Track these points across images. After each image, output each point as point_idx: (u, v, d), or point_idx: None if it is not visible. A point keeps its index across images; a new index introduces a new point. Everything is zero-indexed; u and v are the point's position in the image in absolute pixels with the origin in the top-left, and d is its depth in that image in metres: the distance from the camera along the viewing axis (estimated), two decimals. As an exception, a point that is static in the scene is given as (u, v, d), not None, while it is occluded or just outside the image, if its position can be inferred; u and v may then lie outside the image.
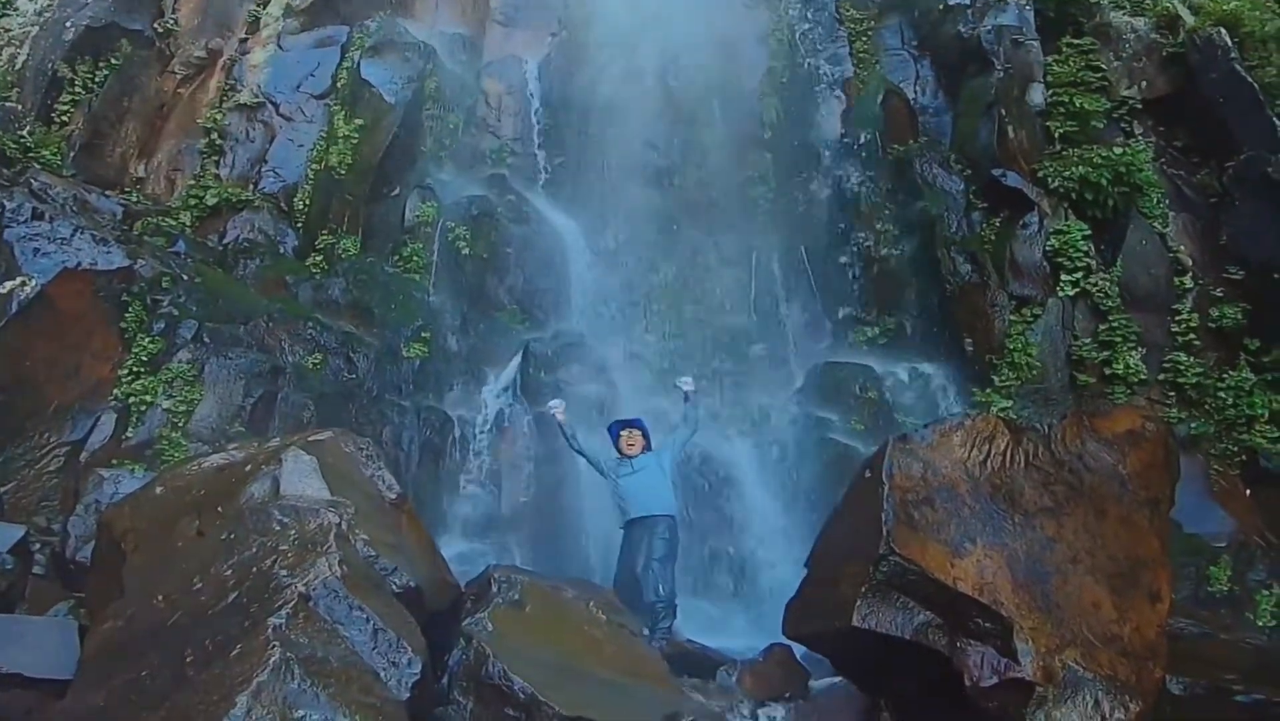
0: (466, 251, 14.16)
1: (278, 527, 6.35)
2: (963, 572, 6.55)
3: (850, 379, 13.22)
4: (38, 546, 10.07)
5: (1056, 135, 14.45)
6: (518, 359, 13.38)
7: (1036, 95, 14.69)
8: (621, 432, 10.64)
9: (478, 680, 6.25)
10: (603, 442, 10.73)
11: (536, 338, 13.69)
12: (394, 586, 6.63)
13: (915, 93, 16.00)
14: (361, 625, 5.71)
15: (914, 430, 7.40)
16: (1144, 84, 15.08)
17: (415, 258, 14.06)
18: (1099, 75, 14.74)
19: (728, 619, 10.75)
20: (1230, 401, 12.99)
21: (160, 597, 6.05)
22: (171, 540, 6.71)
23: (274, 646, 5.07)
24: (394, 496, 8.12)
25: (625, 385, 13.27)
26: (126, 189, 14.39)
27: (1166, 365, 13.33)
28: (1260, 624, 11.18)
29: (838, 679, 7.92)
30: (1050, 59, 14.95)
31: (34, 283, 11.68)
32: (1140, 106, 15.00)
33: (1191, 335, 13.52)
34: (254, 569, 5.95)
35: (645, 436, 10.66)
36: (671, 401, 12.58)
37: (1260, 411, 12.84)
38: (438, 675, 6.35)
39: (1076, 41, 15.06)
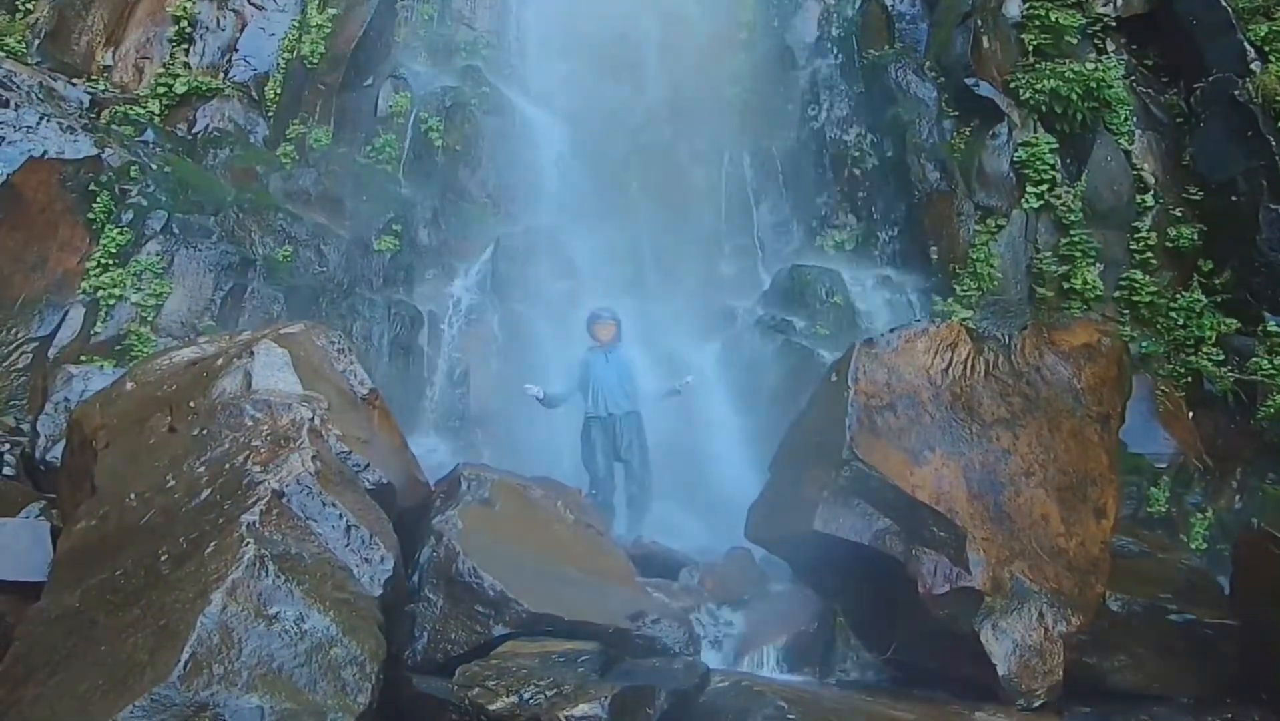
0: (439, 143, 14.05)
1: (250, 423, 6.28)
2: (921, 480, 6.75)
3: (817, 282, 13.24)
4: (7, 447, 9.97)
5: (1030, 48, 14.40)
6: (489, 252, 13.42)
7: (1013, 7, 14.64)
8: (595, 324, 10.88)
9: (448, 577, 6.39)
10: (564, 373, 11.04)
11: (507, 232, 13.70)
12: (366, 483, 6.58)
13: (893, -1, 15.90)
14: (334, 521, 5.74)
15: (879, 336, 7.54)
16: (1119, 1, 15.00)
17: (388, 149, 13.94)
18: (1076, -10, 14.67)
19: (689, 521, 10.90)
20: (1180, 322, 13.10)
21: (133, 496, 6.01)
22: (143, 437, 6.58)
23: (248, 543, 5.12)
24: (366, 391, 7.99)
25: (595, 281, 13.27)
26: (94, 77, 14.02)
27: (1123, 283, 13.42)
28: (1193, 546, 11.44)
29: (795, 584, 8.16)
30: (1028, -29, 14.82)
31: (-1, 172, 11.48)
32: (1114, 24, 14.89)
33: (1149, 254, 13.62)
34: (226, 465, 5.93)
35: (618, 326, 10.91)
36: (639, 301, 12.72)
37: (1208, 334, 12.93)
38: (408, 572, 6.45)
39: (1056, -45, 14.91)
